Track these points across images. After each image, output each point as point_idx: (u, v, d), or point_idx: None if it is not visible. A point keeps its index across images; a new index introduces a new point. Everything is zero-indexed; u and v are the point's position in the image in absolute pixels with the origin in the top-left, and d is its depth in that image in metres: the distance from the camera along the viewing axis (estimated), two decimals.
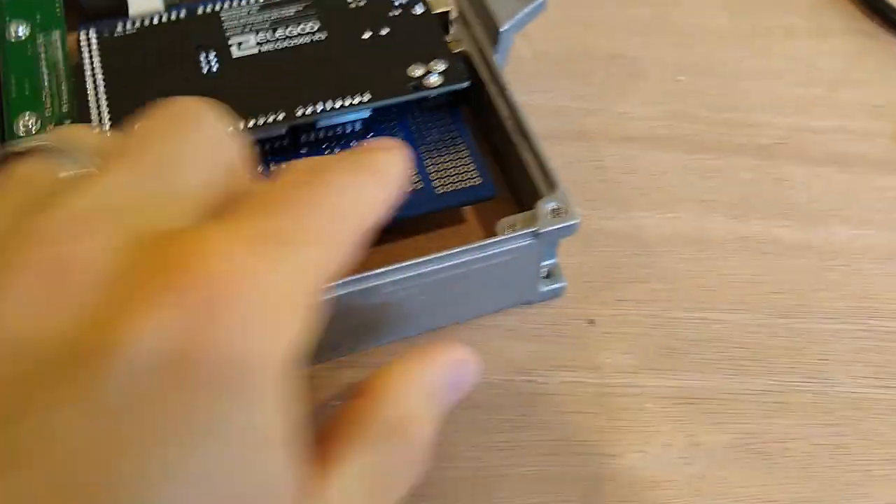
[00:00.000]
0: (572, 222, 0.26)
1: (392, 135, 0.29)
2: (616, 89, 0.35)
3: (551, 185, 0.26)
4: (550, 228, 0.26)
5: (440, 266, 0.25)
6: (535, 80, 0.29)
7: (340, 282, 0.24)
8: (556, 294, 0.29)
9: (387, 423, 0.19)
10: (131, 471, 0.13)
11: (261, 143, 0.28)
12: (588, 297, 0.29)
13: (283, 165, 0.22)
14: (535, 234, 0.26)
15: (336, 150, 0.29)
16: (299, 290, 0.16)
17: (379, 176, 0.19)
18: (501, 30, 0.29)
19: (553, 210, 0.26)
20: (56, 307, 0.14)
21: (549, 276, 0.29)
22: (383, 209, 0.18)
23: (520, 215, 0.26)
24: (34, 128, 0.27)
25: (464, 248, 0.25)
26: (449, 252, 0.25)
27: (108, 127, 0.26)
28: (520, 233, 0.26)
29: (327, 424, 0.19)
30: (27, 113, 0.27)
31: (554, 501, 0.26)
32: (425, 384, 0.20)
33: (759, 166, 0.33)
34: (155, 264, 0.14)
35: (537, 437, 0.27)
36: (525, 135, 0.28)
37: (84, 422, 0.13)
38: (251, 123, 0.27)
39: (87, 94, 0.27)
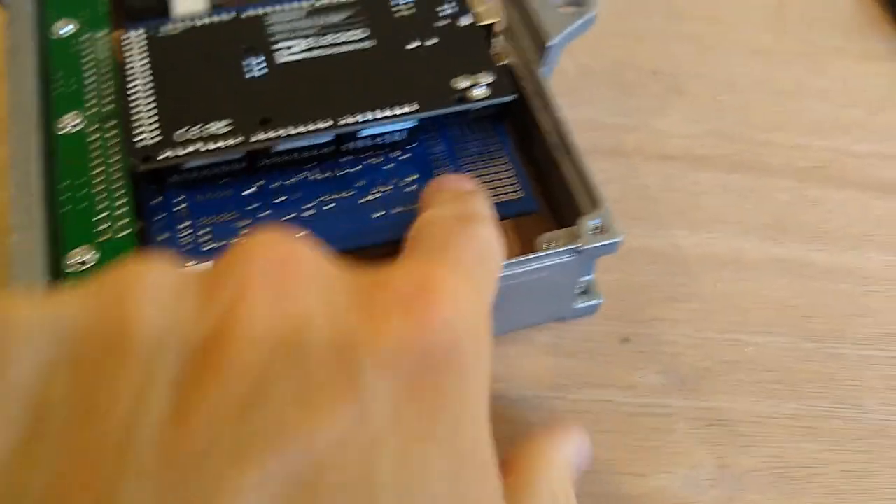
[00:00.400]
0: (615, 240, 0.26)
1: (434, 145, 0.29)
2: (657, 106, 0.35)
3: (595, 202, 0.27)
4: (593, 246, 0.26)
5: None
6: (574, 93, 0.29)
7: None
8: (591, 311, 0.29)
9: (545, 491, 0.21)
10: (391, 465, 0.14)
11: (305, 149, 0.28)
12: (623, 315, 0.30)
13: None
14: (577, 251, 0.26)
15: (379, 159, 0.29)
16: (483, 308, 0.18)
17: (493, 224, 0.22)
18: (549, 44, 0.29)
19: (596, 227, 0.26)
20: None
21: (586, 292, 0.29)
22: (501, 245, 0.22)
23: (561, 231, 0.27)
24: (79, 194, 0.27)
25: (506, 262, 0.26)
26: None
27: (154, 130, 0.27)
28: (562, 249, 0.26)
29: None
30: (82, 247, 0.26)
31: None
32: (566, 456, 0.22)
33: (797, 188, 0.33)
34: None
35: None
36: (569, 150, 0.28)
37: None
38: (296, 130, 0.27)
39: (130, 94, 0.27)
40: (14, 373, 0.14)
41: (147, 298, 0.15)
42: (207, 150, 0.26)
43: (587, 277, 0.29)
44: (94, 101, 0.29)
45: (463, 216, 0.22)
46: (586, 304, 0.29)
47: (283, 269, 0.16)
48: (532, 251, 0.26)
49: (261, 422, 0.13)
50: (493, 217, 0.23)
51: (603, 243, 0.26)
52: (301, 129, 0.27)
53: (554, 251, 0.26)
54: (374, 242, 0.27)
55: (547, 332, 0.29)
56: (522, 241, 0.30)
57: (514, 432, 0.27)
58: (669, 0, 0.39)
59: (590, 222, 0.26)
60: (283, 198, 0.28)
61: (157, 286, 0.15)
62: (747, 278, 0.31)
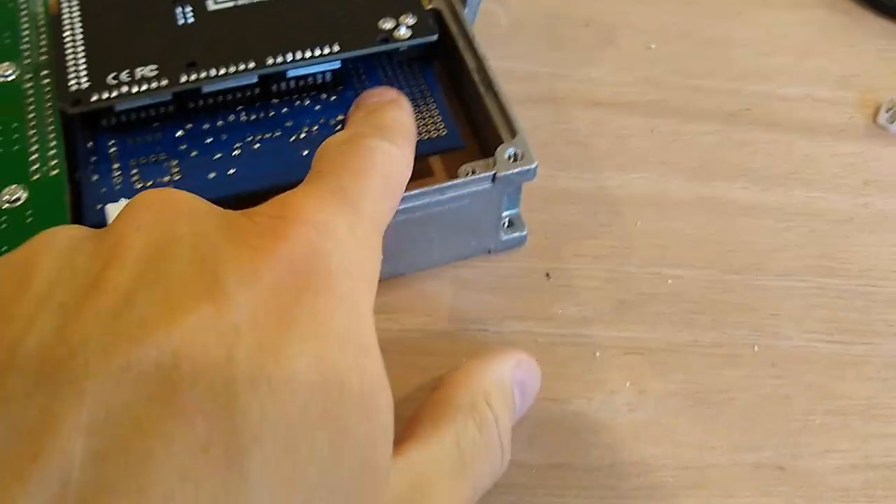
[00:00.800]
0: (530, 166, 0.27)
1: (363, 86, 0.30)
2: (588, 56, 0.36)
3: (512, 131, 0.27)
4: (508, 172, 0.27)
5: (403, 205, 0.26)
6: (507, 45, 0.30)
7: None
8: (517, 243, 0.30)
9: (468, 405, 0.23)
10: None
11: (233, 91, 0.29)
12: (546, 252, 0.30)
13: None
14: (494, 178, 0.27)
15: (307, 101, 0.30)
16: (371, 237, 0.20)
17: (404, 137, 0.24)
18: None
19: (512, 155, 0.27)
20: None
21: (511, 225, 0.30)
22: (410, 169, 0.23)
23: (480, 161, 0.27)
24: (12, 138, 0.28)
25: (423, 189, 0.26)
26: (408, 193, 0.26)
27: (84, 76, 0.28)
28: (478, 176, 0.27)
29: (410, 417, 0.22)
30: (14, 185, 0.27)
31: None
32: (497, 374, 0.24)
33: (724, 131, 0.34)
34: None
35: None
36: (490, 84, 0.29)
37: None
38: (222, 71, 0.28)
39: (63, 43, 0.28)
40: None
41: (48, 250, 0.17)
42: (135, 93, 0.27)
43: (512, 211, 0.29)
44: (28, 53, 0.30)
45: (361, 133, 0.23)
46: (512, 235, 0.30)
47: (161, 207, 0.18)
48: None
49: (126, 323, 0.15)
50: (402, 127, 0.24)
51: (518, 170, 0.27)
52: (226, 70, 0.28)
53: (470, 178, 0.27)
54: (298, 179, 0.28)
55: (470, 269, 0.30)
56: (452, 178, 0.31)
57: (435, 364, 0.28)
58: None
59: (506, 150, 0.27)
60: (211, 139, 0.29)
61: (59, 241, 0.18)
62: (670, 217, 0.31)
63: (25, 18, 0.31)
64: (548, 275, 0.30)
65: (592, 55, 0.36)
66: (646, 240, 0.31)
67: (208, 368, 0.15)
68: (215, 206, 0.19)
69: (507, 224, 0.30)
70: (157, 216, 0.18)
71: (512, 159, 0.27)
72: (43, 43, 0.30)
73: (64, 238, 0.18)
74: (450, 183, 0.27)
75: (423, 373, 0.28)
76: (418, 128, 0.29)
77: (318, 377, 0.16)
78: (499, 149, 0.27)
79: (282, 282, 0.17)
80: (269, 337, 0.16)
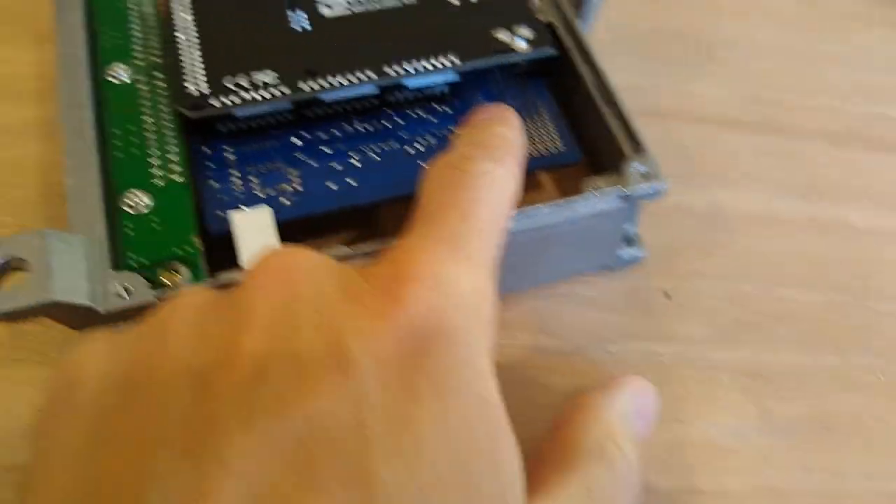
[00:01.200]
0: (661, 186, 0.26)
1: (477, 100, 0.30)
2: (688, 71, 0.35)
3: (638, 148, 0.27)
4: (639, 190, 0.26)
5: (527, 223, 0.26)
6: (608, 59, 0.29)
7: None
8: (635, 261, 0.30)
9: (593, 446, 0.22)
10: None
11: (350, 101, 0.28)
12: (663, 270, 0.30)
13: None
14: (624, 196, 0.26)
15: (423, 113, 0.29)
16: (486, 282, 0.20)
17: (512, 155, 0.23)
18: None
19: (642, 173, 0.26)
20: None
21: (630, 243, 0.29)
22: (518, 187, 0.22)
23: (606, 176, 0.27)
24: (131, 141, 0.27)
25: (551, 204, 0.26)
26: (536, 207, 0.26)
27: (202, 80, 0.27)
28: (608, 192, 0.26)
29: (532, 460, 0.20)
30: (136, 189, 0.26)
31: None
32: (618, 409, 0.23)
33: (831, 151, 0.33)
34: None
35: None
36: (612, 99, 0.28)
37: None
38: (342, 81, 0.27)
39: (177, 45, 0.28)
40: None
41: (181, 315, 0.18)
42: (256, 100, 0.27)
43: (631, 227, 0.29)
44: (140, 53, 0.29)
45: (466, 155, 0.22)
46: (631, 254, 0.29)
47: (285, 267, 0.19)
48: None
49: (263, 396, 0.16)
50: (509, 145, 0.23)
51: (649, 188, 0.26)
52: (346, 79, 0.27)
53: (600, 194, 0.26)
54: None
55: (589, 287, 0.29)
56: (563, 194, 0.30)
57: (557, 383, 0.28)
58: None
59: (636, 165, 0.26)
60: (328, 148, 0.28)
61: (190, 304, 0.19)
62: (783, 236, 0.31)
63: (136, 18, 0.30)
64: (667, 294, 0.29)
65: (693, 70, 0.35)
66: (761, 259, 0.30)
67: (342, 438, 0.16)
68: (333, 261, 0.20)
69: (626, 242, 0.29)
70: (282, 277, 0.18)
71: (641, 176, 0.26)
72: (154, 44, 0.29)
73: (195, 302, 0.19)
74: (578, 199, 0.26)
75: (546, 391, 0.28)
76: (531, 143, 0.29)
77: (446, 438, 0.17)
78: (625, 165, 0.27)
79: (403, 346, 0.17)
80: (397, 402, 0.17)
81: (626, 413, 0.23)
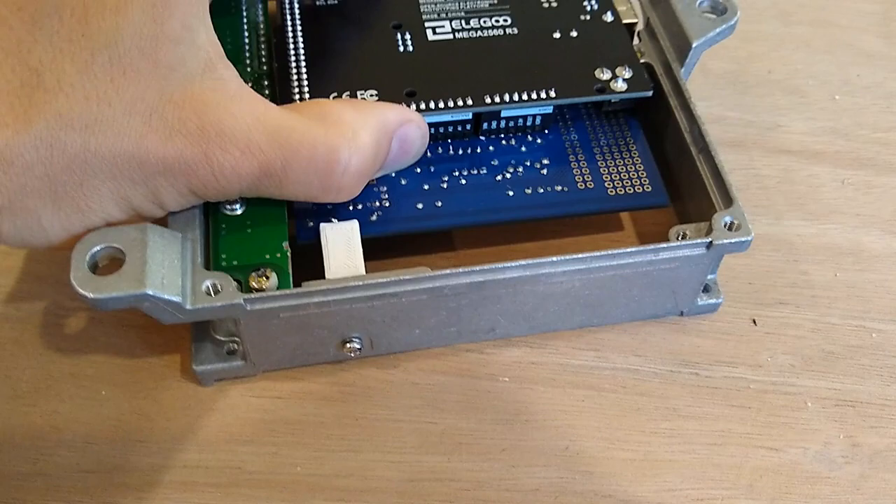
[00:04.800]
0: (746, 238, 0.27)
1: (568, 133, 0.31)
2: (773, 102, 0.37)
3: (729, 199, 0.28)
4: (724, 241, 0.27)
5: (611, 263, 0.27)
6: (694, 91, 0.31)
7: (511, 264, 0.26)
8: (711, 310, 0.31)
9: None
10: None
11: (445, 125, 0.30)
12: (749, 298, 0.31)
13: None
14: (708, 245, 0.27)
15: (513, 142, 0.31)
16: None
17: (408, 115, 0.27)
18: (694, 45, 0.31)
19: (728, 224, 0.28)
20: None
21: (708, 290, 0.30)
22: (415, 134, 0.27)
23: (693, 225, 0.28)
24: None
25: (636, 248, 0.27)
26: (621, 251, 0.27)
27: (307, 92, 0.29)
28: (694, 242, 0.27)
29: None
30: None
31: (719, 488, 0.28)
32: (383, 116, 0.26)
33: None
34: None
35: (702, 427, 0.29)
36: (706, 148, 0.29)
37: None
38: (440, 105, 0.29)
39: (288, 58, 0.30)
40: None
41: None
42: None
43: (711, 275, 0.30)
44: (249, 61, 0.31)
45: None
46: (707, 302, 0.30)
47: None
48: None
49: None
50: (416, 117, 0.28)
51: (735, 240, 0.27)
52: (444, 104, 0.29)
53: (685, 243, 0.27)
54: (503, 219, 0.29)
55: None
56: (641, 237, 0.32)
57: (649, 405, 0.29)
58: (778, 4, 0.41)
59: (723, 217, 0.28)
60: (419, 169, 0.30)
61: None
62: (868, 269, 0.32)
63: (246, 26, 0.31)
64: (754, 321, 0.31)
65: (778, 102, 0.37)
66: (846, 291, 0.32)
67: None
68: None
69: (705, 290, 0.30)
70: None
71: (728, 228, 0.28)
72: (263, 52, 0.31)
73: None
74: (664, 244, 0.27)
75: (638, 413, 0.29)
76: (623, 181, 0.30)
77: None
78: (715, 217, 0.27)
79: None
80: None
81: (389, 120, 0.27)
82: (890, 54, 0.39)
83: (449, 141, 0.31)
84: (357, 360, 0.29)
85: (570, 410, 0.29)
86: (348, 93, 0.29)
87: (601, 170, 0.30)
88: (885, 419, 0.29)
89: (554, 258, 0.26)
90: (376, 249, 0.28)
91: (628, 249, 0.27)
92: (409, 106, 0.28)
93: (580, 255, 0.27)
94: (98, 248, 0.24)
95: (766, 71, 0.38)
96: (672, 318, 0.31)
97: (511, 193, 0.30)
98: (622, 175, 0.30)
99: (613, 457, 0.28)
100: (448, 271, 0.26)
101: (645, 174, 0.31)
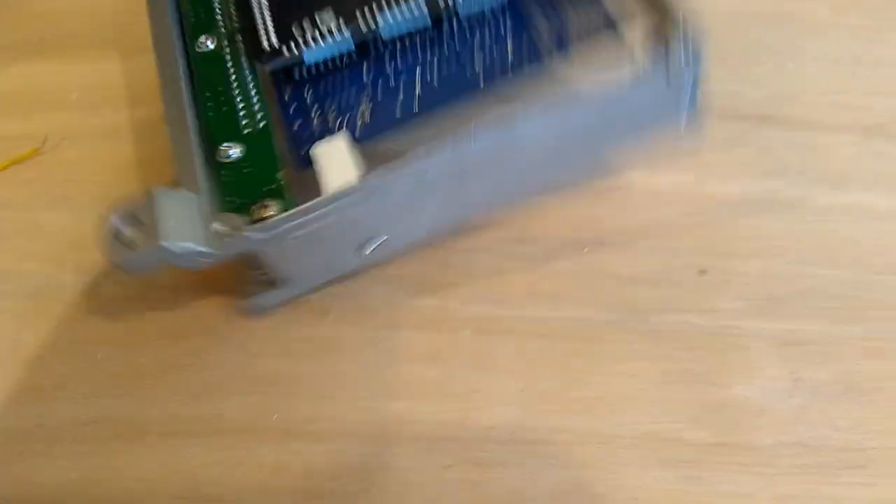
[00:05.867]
0: None
1: (530, 12, 0.33)
2: (737, 70, 0.39)
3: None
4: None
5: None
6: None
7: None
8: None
9: None
10: None
11: (409, 35, 0.32)
12: (698, 249, 0.33)
13: None
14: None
15: (476, 35, 0.33)
16: None
17: None
18: None
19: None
20: None
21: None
22: None
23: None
24: (220, 99, 0.32)
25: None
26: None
27: (273, 35, 0.31)
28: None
29: None
30: (230, 142, 0.30)
31: (667, 421, 0.30)
32: None
33: (861, 143, 0.36)
34: None
35: (653, 367, 0.31)
36: None
37: None
38: (396, 10, 0.31)
39: (252, 10, 0.32)
40: None
41: None
42: (320, 44, 0.31)
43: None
44: (222, 23, 0.33)
45: None
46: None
47: None
48: None
49: None
50: None
51: None
52: (399, 8, 0.31)
53: None
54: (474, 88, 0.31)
55: (626, 265, 0.33)
56: None
57: (606, 349, 0.31)
58: None
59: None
60: (393, 77, 0.32)
61: None
62: (814, 221, 0.34)
63: None
64: (703, 271, 0.33)
65: (739, 72, 0.38)
66: (792, 239, 0.34)
67: None
68: None
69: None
70: None
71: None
72: (232, 12, 0.34)
73: None
74: None
75: (591, 358, 0.31)
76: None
77: None
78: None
79: None
80: None
81: None
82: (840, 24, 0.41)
83: (416, 49, 0.33)
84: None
85: (526, 357, 0.31)
86: (308, 20, 0.31)
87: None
88: (827, 355, 0.31)
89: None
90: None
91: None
92: (364, 21, 0.31)
93: None
94: (115, 219, 0.27)
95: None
96: (622, 273, 0.33)
97: (482, 83, 0.32)
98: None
99: (569, 397, 0.30)
100: (419, 149, 0.28)
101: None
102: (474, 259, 0.34)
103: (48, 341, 0.32)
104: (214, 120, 0.31)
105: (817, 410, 0.30)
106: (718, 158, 0.36)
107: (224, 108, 0.31)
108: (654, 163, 0.35)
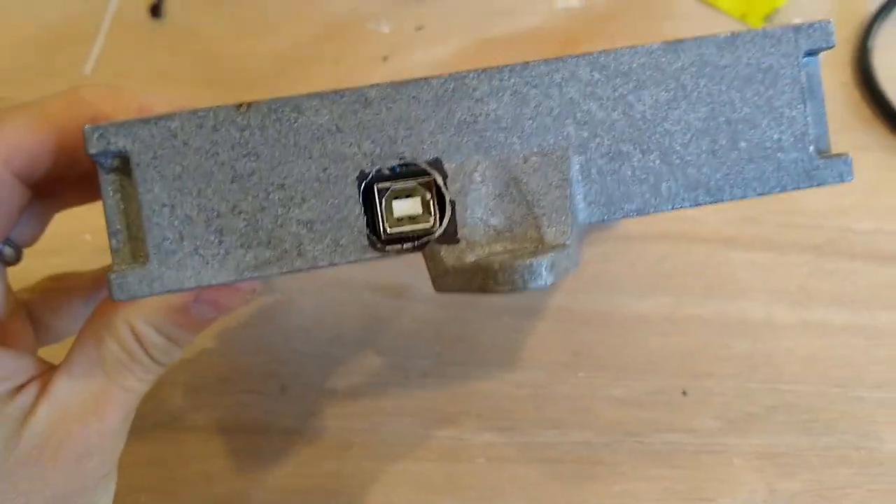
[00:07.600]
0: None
1: None
2: None
3: None
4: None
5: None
6: None
7: None
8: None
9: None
10: None
11: None
12: (681, 372, 0.38)
13: None
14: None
15: None
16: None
17: None
18: None
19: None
20: None
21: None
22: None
23: None
24: None
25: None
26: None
27: None
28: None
29: None
30: None
31: None
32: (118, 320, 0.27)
33: (814, 262, 0.41)
34: None
35: (649, 487, 0.35)
36: None
37: None
38: None
39: None
40: None
41: None
42: None
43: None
44: None
45: None
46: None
47: None
48: None
49: None
50: None
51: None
52: None
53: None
54: None
55: (622, 389, 0.37)
56: None
57: (600, 472, 0.35)
58: None
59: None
60: None
61: None
62: (779, 339, 0.39)
63: None
64: (685, 392, 0.37)
65: None
66: (762, 359, 0.38)
67: None
68: None
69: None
70: None
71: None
72: None
73: None
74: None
75: (593, 480, 0.35)
76: None
77: None
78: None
79: None
80: None
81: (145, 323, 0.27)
82: None
83: None
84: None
85: (535, 482, 0.35)
86: None
87: None
88: (797, 466, 0.36)
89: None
90: None
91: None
92: None
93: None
94: None
95: None
96: (616, 397, 0.37)
97: None
98: None
99: None
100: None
101: None
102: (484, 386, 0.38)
103: None
104: None
105: None
106: (687, 280, 0.41)
107: None
108: (638, 286, 0.40)
